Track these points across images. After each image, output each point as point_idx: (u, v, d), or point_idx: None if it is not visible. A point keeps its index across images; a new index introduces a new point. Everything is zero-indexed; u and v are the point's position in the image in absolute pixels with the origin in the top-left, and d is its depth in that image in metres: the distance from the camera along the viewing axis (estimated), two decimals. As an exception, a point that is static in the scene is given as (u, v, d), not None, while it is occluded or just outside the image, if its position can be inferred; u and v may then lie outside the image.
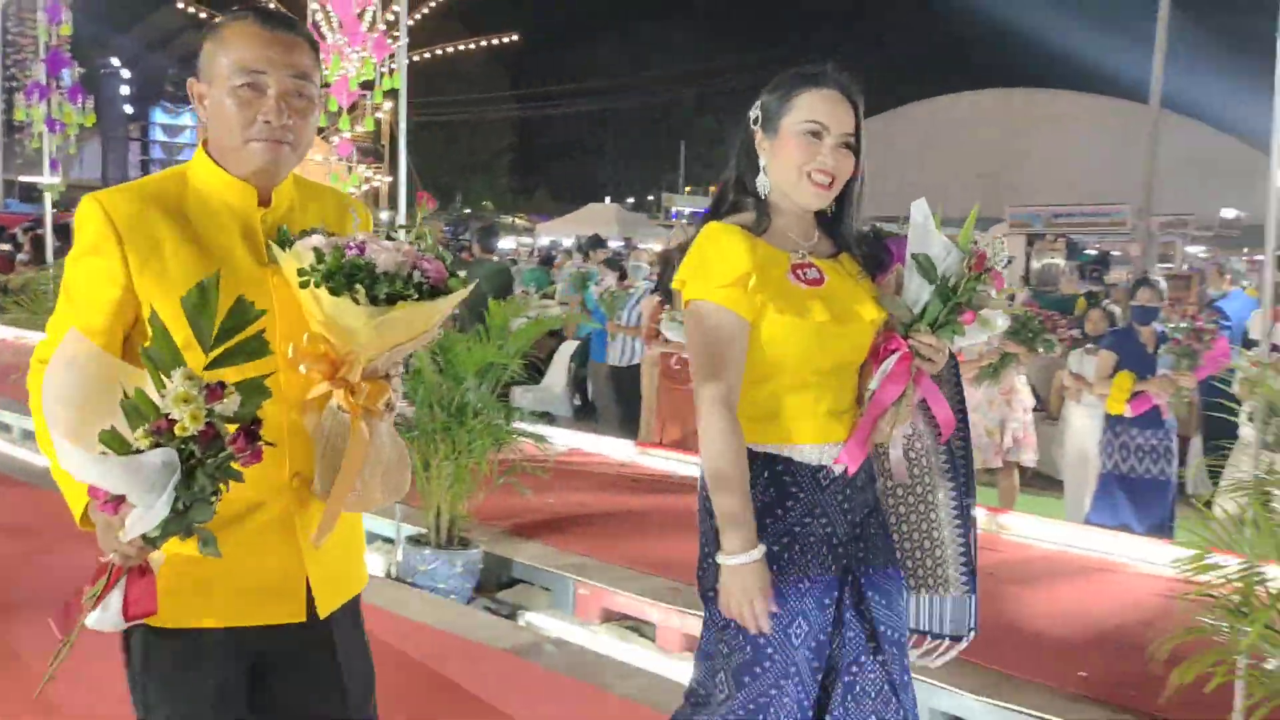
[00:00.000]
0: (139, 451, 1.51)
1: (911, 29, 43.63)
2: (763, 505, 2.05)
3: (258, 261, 1.81)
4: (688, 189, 37.31)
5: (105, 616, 1.62)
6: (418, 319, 1.73)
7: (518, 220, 36.61)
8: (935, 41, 42.54)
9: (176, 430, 1.50)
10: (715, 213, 2.19)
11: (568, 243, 23.45)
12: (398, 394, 1.81)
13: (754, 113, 2.17)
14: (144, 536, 1.55)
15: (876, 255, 2.19)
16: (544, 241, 24.68)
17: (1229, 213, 19.93)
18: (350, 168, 6.00)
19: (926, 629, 2.27)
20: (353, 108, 5.78)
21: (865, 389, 2.11)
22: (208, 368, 1.55)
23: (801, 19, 46.26)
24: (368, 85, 5.72)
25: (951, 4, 38.93)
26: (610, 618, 4.74)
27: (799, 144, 2.07)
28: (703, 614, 2.16)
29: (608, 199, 33.63)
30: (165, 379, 1.52)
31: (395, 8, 5.18)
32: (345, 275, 1.67)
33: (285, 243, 1.77)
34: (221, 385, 1.53)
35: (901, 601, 2.16)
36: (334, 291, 1.66)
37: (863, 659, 2.06)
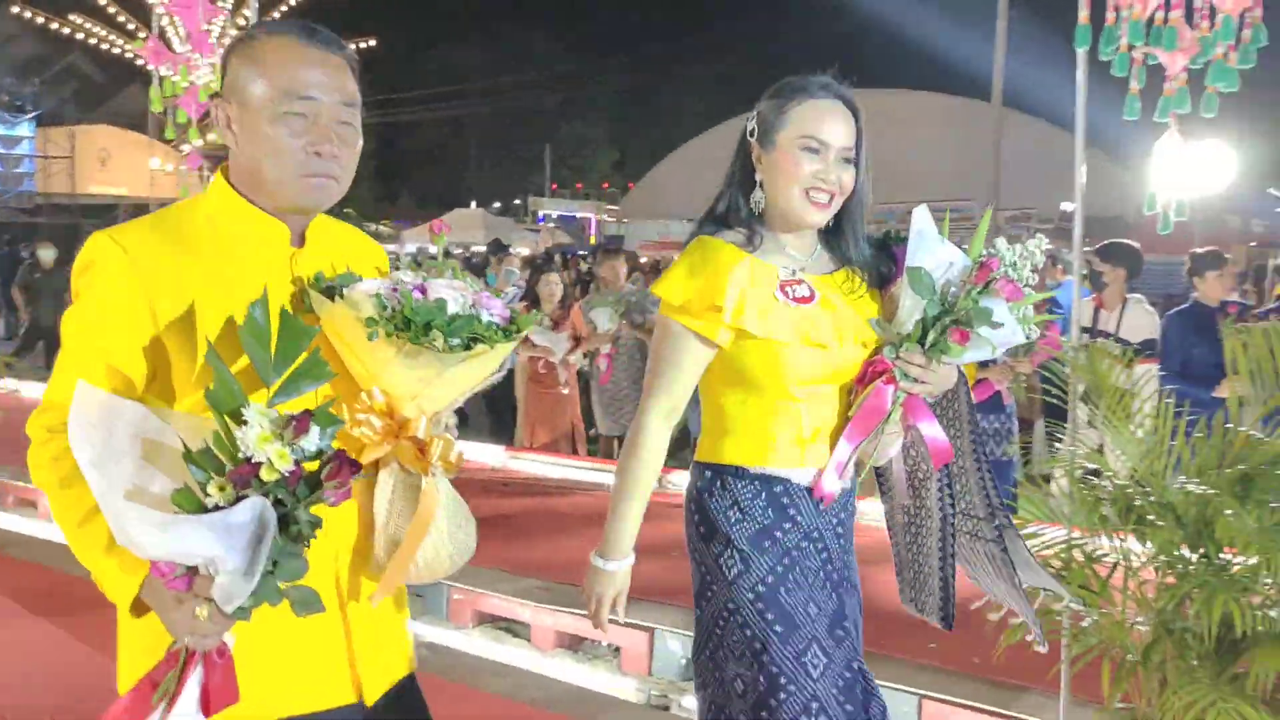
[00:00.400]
0: (219, 508, 1.32)
1: (767, 32, 44.54)
2: (761, 527, 1.99)
3: (292, 309, 1.58)
4: (554, 192, 37.35)
5: (181, 715, 1.39)
6: (489, 362, 1.59)
7: (381, 227, 36.03)
8: (789, 43, 43.56)
9: (263, 475, 1.32)
10: (706, 225, 2.10)
11: (434, 249, 23.19)
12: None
13: (750, 125, 2.07)
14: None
15: (881, 268, 2.10)
16: (410, 248, 24.39)
17: (1068, 205, 20.98)
18: (202, 178, 5.89)
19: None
20: (204, 117, 5.68)
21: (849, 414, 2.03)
22: (271, 401, 1.38)
23: (662, 24, 46.78)
24: (218, 96, 5.62)
25: (803, 7, 40.00)
26: (484, 620, 4.79)
27: (797, 159, 1.98)
28: (693, 652, 2.10)
29: (474, 204, 33.39)
30: (230, 421, 1.35)
31: (246, 12, 5.11)
32: (423, 323, 1.51)
33: (330, 291, 1.58)
34: (309, 414, 1.34)
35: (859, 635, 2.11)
36: (412, 340, 1.50)
37: None
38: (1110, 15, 2.90)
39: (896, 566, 2.24)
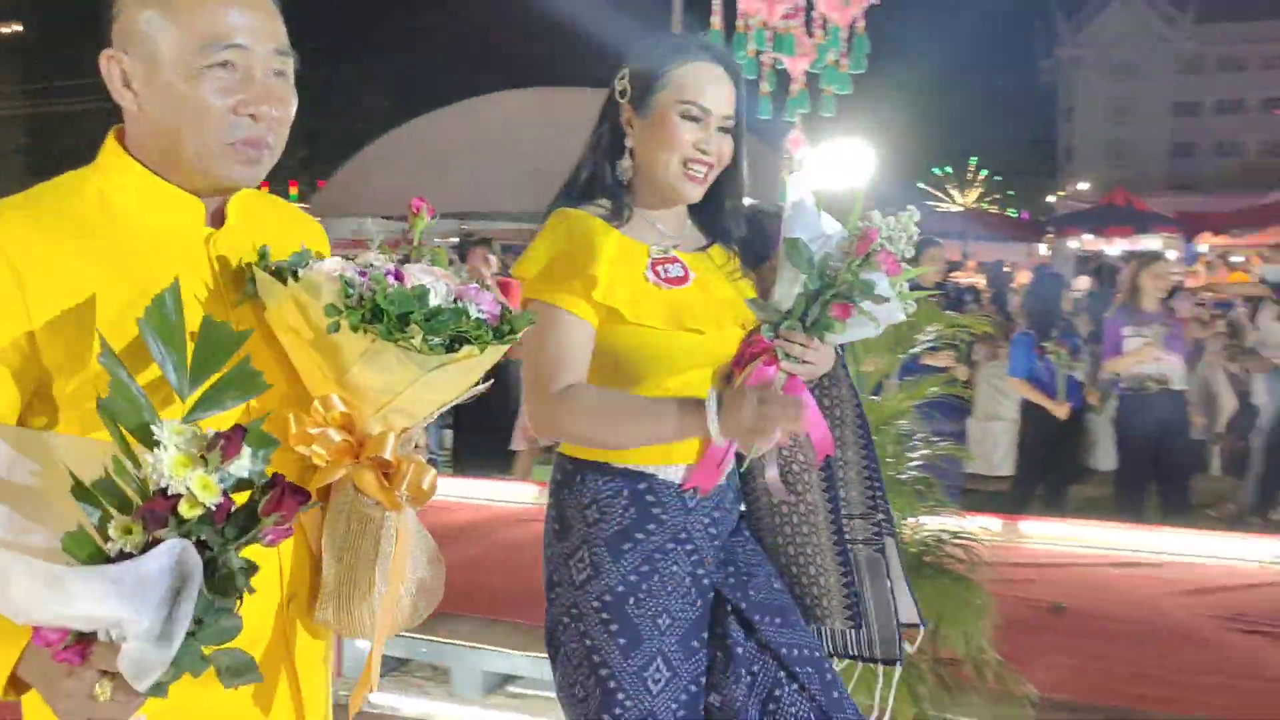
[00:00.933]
0: (125, 555, 1.03)
1: (454, 27, 44.39)
2: (620, 529, 1.80)
3: (214, 303, 1.30)
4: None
5: None
6: (475, 369, 1.30)
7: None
8: (477, 39, 43.62)
9: (182, 510, 1.03)
10: (566, 197, 1.89)
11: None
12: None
13: (620, 84, 1.86)
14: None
15: (754, 243, 1.95)
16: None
17: (747, 201, 22.36)
18: None
19: (857, 654, 2.01)
20: None
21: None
22: (188, 417, 1.10)
23: (340, 17, 45.48)
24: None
25: (493, 3, 40.16)
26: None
27: (677, 126, 1.81)
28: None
29: (146, 203, 31.15)
30: (134, 441, 1.07)
31: None
32: (399, 313, 1.22)
33: (279, 272, 1.29)
34: (241, 431, 1.06)
35: (798, 613, 1.92)
36: (384, 336, 1.21)
37: (777, 692, 1.81)
38: (740, 23, 3.16)
39: None
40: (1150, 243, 16.56)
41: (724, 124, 1.85)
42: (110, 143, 1.34)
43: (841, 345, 1.91)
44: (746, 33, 3.15)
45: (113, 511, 1.05)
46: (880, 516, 1.97)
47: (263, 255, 1.32)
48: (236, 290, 1.33)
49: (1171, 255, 17.22)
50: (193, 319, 1.18)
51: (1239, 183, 36.21)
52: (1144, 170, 50.96)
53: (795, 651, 1.84)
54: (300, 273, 1.28)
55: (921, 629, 2.04)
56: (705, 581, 1.85)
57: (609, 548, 1.80)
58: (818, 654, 1.86)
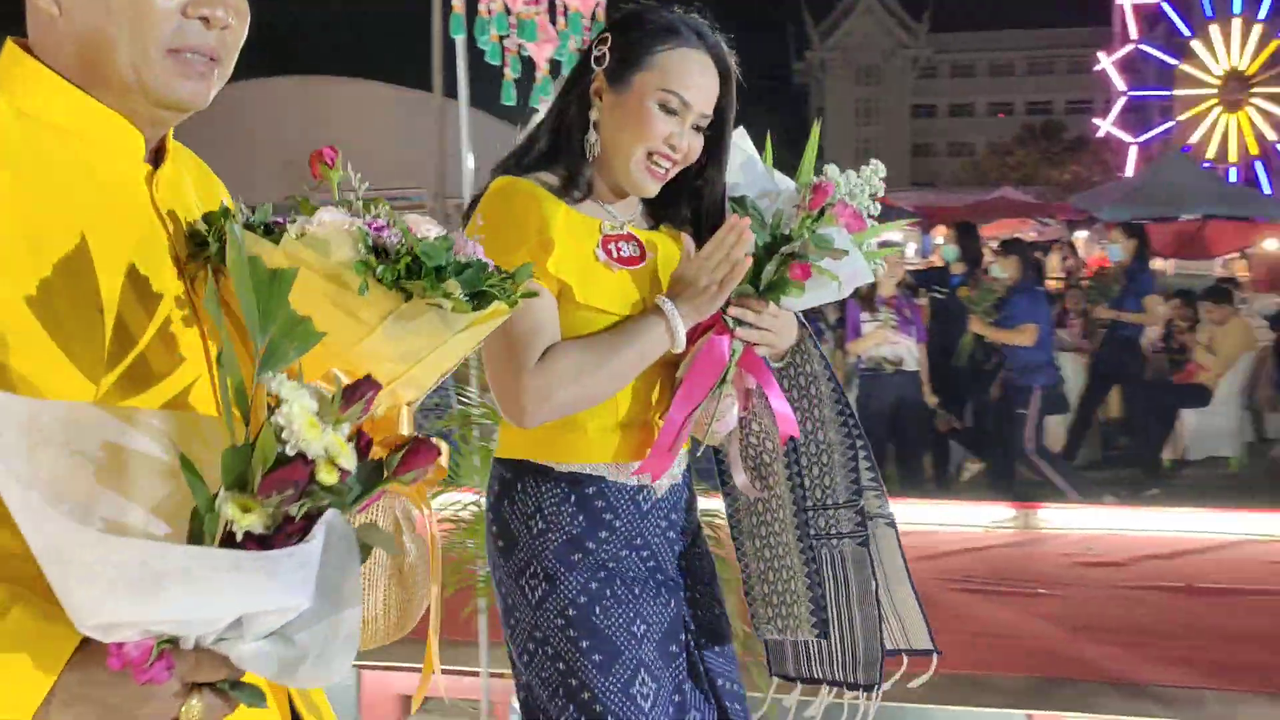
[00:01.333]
0: (250, 537, 0.87)
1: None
2: (570, 539, 1.65)
3: (167, 260, 1.09)
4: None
5: None
6: (483, 330, 1.14)
7: None
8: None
9: (322, 477, 0.88)
10: (517, 163, 1.71)
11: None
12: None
13: (598, 50, 1.69)
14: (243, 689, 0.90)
15: (705, 221, 1.78)
16: None
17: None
18: None
19: (829, 677, 1.87)
20: None
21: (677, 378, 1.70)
22: (259, 376, 0.94)
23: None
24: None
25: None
26: None
27: (652, 115, 1.64)
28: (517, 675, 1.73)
29: None
30: (244, 400, 0.93)
31: None
32: (435, 269, 1.04)
33: (250, 228, 1.07)
34: (374, 382, 0.92)
35: (731, 645, 1.83)
36: (431, 289, 1.04)
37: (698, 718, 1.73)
38: (483, 7, 3.14)
39: (745, 588, 1.88)
40: (892, 235, 17.66)
41: (700, 121, 1.69)
42: (14, 51, 1.06)
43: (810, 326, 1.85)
44: (489, 17, 3.13)
45: (234, 488, 0.89)
46: (864, 504, 1.81)
47: (225, 211, 1.10)
48: (182, 248, 1.12)
49: (911, 246, 18.43)
50: (148, 273, 1.04)
51: (970, 180, 39.14)
52: (888, 168, 54.18)
53: (729, 685, 1.78)
54: (292, 229, 1.08)
55: (935, 657, 1.88)
56: (670, 584, 1.74)
57: (560, 558, 1.66)
58: (742, 690, 1.81)
